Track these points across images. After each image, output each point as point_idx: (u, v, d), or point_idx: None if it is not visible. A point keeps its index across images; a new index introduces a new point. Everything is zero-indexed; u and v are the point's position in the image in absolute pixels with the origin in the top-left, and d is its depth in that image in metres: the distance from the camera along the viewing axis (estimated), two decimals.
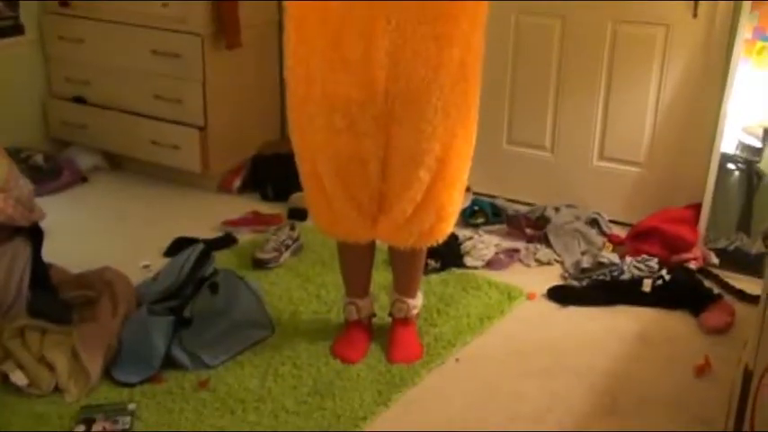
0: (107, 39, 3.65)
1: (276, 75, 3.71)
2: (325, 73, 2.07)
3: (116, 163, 3.91)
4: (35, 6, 3.80)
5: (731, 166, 3.07)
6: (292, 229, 3.11)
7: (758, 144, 3.04)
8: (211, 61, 3.47)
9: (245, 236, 3.24)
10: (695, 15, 3.03)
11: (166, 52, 3.49)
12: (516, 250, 3.09)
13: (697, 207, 3.10)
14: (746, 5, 2.91)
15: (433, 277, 2.88)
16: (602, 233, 3.18)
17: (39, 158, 3.66)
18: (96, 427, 2.11)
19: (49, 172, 3.63)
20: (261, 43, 3.70)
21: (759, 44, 2.98)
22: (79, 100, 3.84)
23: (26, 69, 3.85)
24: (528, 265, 3.04)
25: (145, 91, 3.62)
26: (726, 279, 2.89)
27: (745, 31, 2.94)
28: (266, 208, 3.47)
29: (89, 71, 3.78)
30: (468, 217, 3.31)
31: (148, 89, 3.61)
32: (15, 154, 3.35)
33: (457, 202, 2.27)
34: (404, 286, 2.46)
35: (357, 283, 2.49)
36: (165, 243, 3.11)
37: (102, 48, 3.68)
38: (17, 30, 3.75)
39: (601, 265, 2.91)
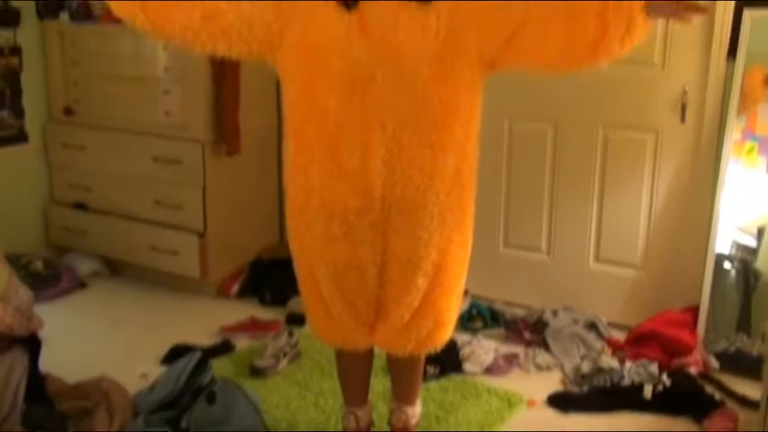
0: (109, 146, 3.73)
1: (275, 180, 3.78)
2: (324, 181, 2.09)
3: (115, 268, 3.93)
4: (40, 115, 3.90)
5: (727, 266, 3.09)
6: (290, 335, 3.10)
7: (753, 243, 3.06)
8: (211, 167, 3.54)
9: (243, 342, 3.22)
10: (683, 120, 3.11)
11: (167, 159, 3.56)
12: (515, 355, 3.07)
13: (696, 309, 3.09)
14: (733, 109, 2.99)
15: (432, 384, 2.85)
16: (601, 337, 3.16)
17: (38, 265, 3.68)
18: None
19: (49, 278, 3.64)
20: (260, 148, 3.78)
21: (748, 144, 3.05)
22: (80, 206, 3.89)
23: (29, 176, 3.92)
24: (527, 371, 3.01)
25: (145, 197, 3.68)
26: (727, 383, 2.86)
27: (733, 133, 3.01)
28: (265, 313, 3.47)
29: (91, 177, 3.84)
30: (467, 321, 3.30)
31: (149, 195, 3.67)
32: (15, 260, 3.38)
33: (455, 307, 2.26)
34: (403, 393, 2.44)
35: (355, 391, 2.46)
36: (164, 349, 3.08)
37: (105, 155, 3.76)
38: (22, 138, 3.84)
39: (600, 370, 2.89)
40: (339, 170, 2.05)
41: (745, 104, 2.99)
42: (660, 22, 3.01)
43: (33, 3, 3.76)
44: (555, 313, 3.26)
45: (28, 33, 3.77)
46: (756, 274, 3.05)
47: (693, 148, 3.14)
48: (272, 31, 2.04)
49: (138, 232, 3.70)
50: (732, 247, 3.10)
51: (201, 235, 3.57)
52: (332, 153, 2.05)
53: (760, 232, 3.04)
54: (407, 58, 1.96)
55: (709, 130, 3.09)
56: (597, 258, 3.40)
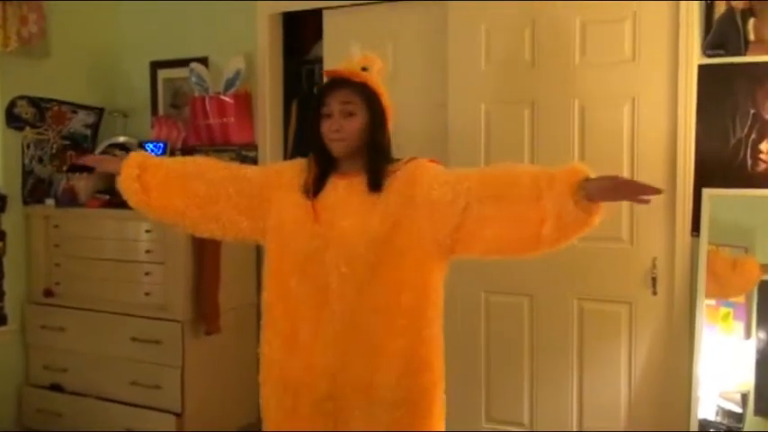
0: (88, 327, 3.73)
1: (254, 358, 3.73)
2: (283, 354, 2.18)
3: None
4: (20, 297, 3.91)
5: None
6: None
7: (738, 409, 3.05)
8: (190, 347, 3.53)
9: None
10: (655, 293, 3.19)
11: (146, 339, 3.56)
12: None
13: None
14: (702, 274, 3.06)
15: None
16: None
17: None
18: None
19: None
20: (240, 327, 3.79)
21: (723, 310, 3.09)
22: (56, 387, 3.83)
23: (4, 359, 3.87)
24: None
25: (122, 378, 3.64)
26: None
27: (705, 300, 3.06)
28: None
29: (68, 359, 3.81)
30: None
31: (126, 376, 3.63)
32: None
33: None
34: None
35: None
36: None
37: (83, 336, 3.75)
38: (0, 320, 3.83)
39: None
40: (295, 345, 2.15)
41: (720, 290, 3.08)
42: (625, 205, 3.16)
43: (20, 189, 3.87)
44: None
45: (12, 218, 3.84)
46: None
47: (667, 318, 3.19)
48: (255, 218, 2.21)
49: (115, 413, 3.63)
50: (717, 413, 3.09)
51: (179, 415, 3.50)
52: (292, 329, 2.15)
53: (744, 398, 3.04)
54: (353, 243, 2.07)
55: (681, 300, 3.16)
56: (581, 428, 3.36)
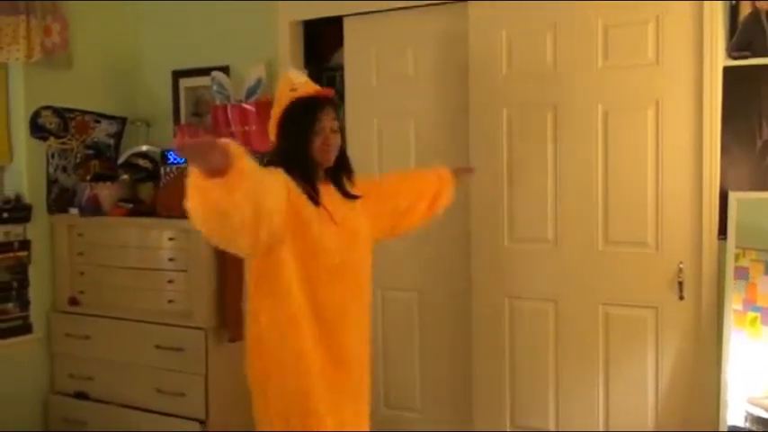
0: (113, 335, 3.75)
1: None
2: (320, 360, 2.34)
3: None
4: (45, 305, 3.95)
5: None
6: None
7: (766, 415, 3.01)
8: (214, 354, 3.54)
9: None
10: (682, 297, 3.15)
11: (170, 347, 3.57)
12: None
13: None
14: (729, 278, 3.03)
15: None
16: None
17: None
18: None
19: None
20: None
21: (750, 315, 3.05)
22: (81, 395, 3.85)
23: (30, 367, 3.90)
24: None
25: (147, 385, 3.65)
26: None
27: (733, 304, 3.03)
28: None
29: (93, 367, 3.83)
30: None
31: (150, 383, 3.64)
32: None
33: None
34: None
35: None
36: None
37: (108, 344, 3.77)
38: (26, 329, 3.86)
39: None
40: (328, 348, 2.31)
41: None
42: (650, 210, 3.17)
43: (44, 198, 3.90)
44: None
45: (37, 227, 3.88)
46: None
47: (694, 323, 3.15)
48: (280, 226, 2.20)
49: (139, 421, 3.64)
50: (746, 419, 3.05)
51: (203, 422, 3.51)
52: (321, 333, 2.29)
53: None
54: (361, 242, 2.45)
55: (708, 305, 3.12)
56: None
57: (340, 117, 2.51)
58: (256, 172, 1.97)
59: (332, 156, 2.37)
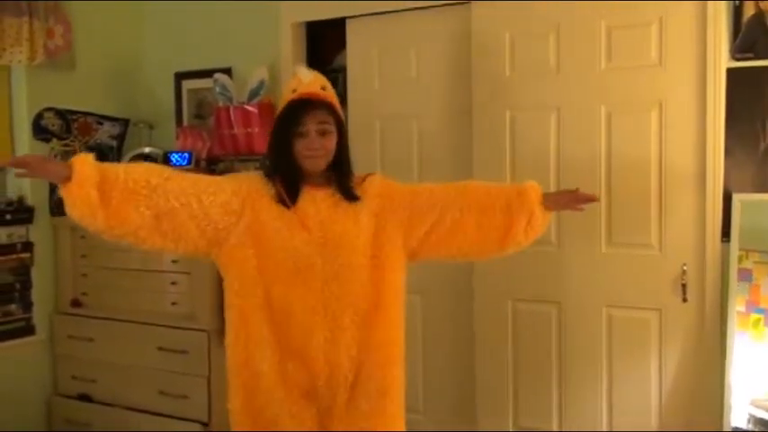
0: (116, 337, 3.75)
1: None
2: (272, 365, 2.26)
3: None
4: (48, 307, 3.95)
5: None
6: None
7: None
8: (217, 356, 3.52)
9: None
10: (685, 300, 3.15)
11: (173, 349, 3.57)
12: None
13: None
14: (733, 280, 3.03)
15: None
16: None
17: None
18: None
19: None
20: None
21: (753, 317, 3.05)
22: (84, 397, 3.85)
23: (33, 369, 3.91)
24: None
25: (150, 387, 3.65)
26: None
27: (736, 306, 3.03)
28: None
29: (96, 369, 3.83)
30: None
31: (153, 385, 3.64)
32: None
33: None
34: None
35: None
36: None
37: (111, 345, 3.77)
38: (29, 331, 3.87)
39: None
40: (287, 353, 2.23)
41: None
42: (654, 212, 3.17)
43: (47, 200, 3.91)
44: None
45: (40, 229, 3.89)
46: None
47: (697, 325, 3.15)
48: (218, 229, 2.22)
49: (143, 423, 3.64)
50: (749, 421, 3.04)
51: (206, 425, 3.51)
52: (278, 338, 2.23)
53: None
54: (344, 248, 2.25)
55: (711, 307, 3.11)
56: None
57: (343, 119, 2.36)
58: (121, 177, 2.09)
59: (317, 160, 2.24)
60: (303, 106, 2.23)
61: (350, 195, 2.31)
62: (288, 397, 2.24)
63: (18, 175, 2.10)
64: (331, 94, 2.31)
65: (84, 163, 2.03)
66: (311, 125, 2.23)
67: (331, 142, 2.27)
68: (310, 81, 2.28)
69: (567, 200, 2.40)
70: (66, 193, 2.03)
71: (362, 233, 2.28)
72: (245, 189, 2.25)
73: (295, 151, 2.24)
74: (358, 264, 2.26)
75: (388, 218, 2.32)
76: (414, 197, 2.35)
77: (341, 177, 2.32)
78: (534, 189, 2.33)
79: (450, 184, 2.42)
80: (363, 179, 2.38)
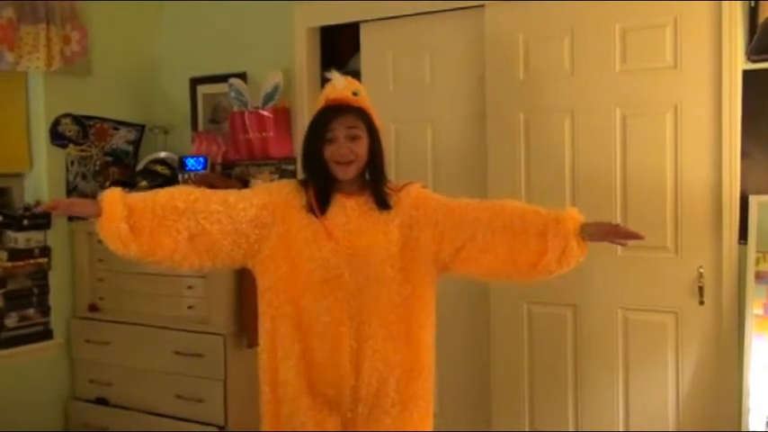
0: (132, 341, 3.77)
1: None
2: (298, 374, 2.28)
3: None
4: (65, 312, 3.98)
5: None
6: None
7: None
8: (232, 360, 3.55)
9: None
10: (701, 302, 3.13)
11: (189, 352, 3.59)
12: None
13: None
14: (750, 282, 3.01)
15: None
16: None
17: None
18: None
19: None
20: None
21: None
22: (102, 401, 3.87)
23: (51, 373, 3.93)
24: None
25: (166, 391, 3.67)
26: None
27: (754, 309, 3.01)
28: None
29: (113, 372, 3.85)
30: None
31: (170, 389, 3.66)
32: None
33: None
34: None
35: None
36: None
37: (127, 349, 3.79)
38: (46, 335, 3.89)
39: None
40: (312, 363, 2.24)
41: None
42: (670, 214, 3.17)
43: None
44: None
45: (57, 234, 3.91)
46: None
47: (715, 328, 3.13)
48: (250, 242, 2.24)
49: (159, 427, 3.66)
50: (767, 425, 3.03)
51: (222, 428, 3.53)
52: (304, 347, 2.24)
53: None
54: (372, 259, 2.22)
55: (729, 310, 3.10)
56: None
57: (377, 125, 2.31)
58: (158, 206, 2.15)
59: (346, 166, 2.22)
60: (332, 112, 2.23)
61: (382, 203, 2.27)
62: (313, 405, 2.25)
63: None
64: (363, 100, 2.28)
65: (112, 198, 2.10)
66: (339, 131, 2.22)
67: (361, 147, 2.24)
68: (343, 87, 2.27)
69: (606, 232, 2.22)
70: (99, 228, 2.11)
71: (392, 245, 2.24)
72: (275, 200, 2.26)
73: (325, 158, 2.23)
74: (385, 276, 2.23)
75: (420, 232, 2.26)
76: (448, 212, 2.27)
77: (374, 184, 2.29)
78: (573, 218, 2.18)
79: (486, 202, 2.34)
80: (401, 188, 2.34)
